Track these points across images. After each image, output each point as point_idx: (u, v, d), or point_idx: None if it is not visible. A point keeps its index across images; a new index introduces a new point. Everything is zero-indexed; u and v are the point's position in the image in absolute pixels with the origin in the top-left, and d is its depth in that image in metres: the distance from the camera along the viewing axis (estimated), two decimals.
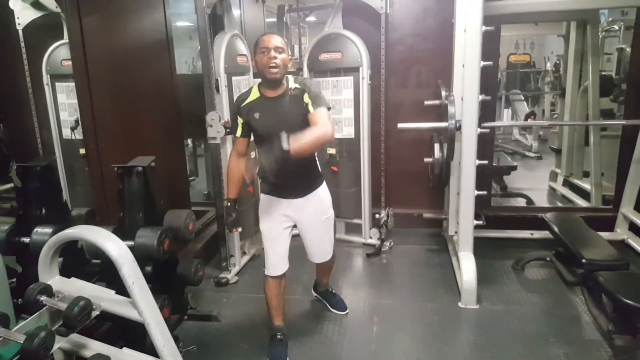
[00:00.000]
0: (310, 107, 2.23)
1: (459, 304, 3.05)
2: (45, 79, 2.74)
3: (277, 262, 2.51)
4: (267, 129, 2.26)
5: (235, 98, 3.03)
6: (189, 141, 5.08)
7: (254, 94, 2.33)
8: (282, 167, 2.03)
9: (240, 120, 2.36)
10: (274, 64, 2.17)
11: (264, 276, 2.56)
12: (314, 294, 3.13)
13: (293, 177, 2.36)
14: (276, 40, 2.20)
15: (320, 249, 2.66)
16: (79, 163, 2.74)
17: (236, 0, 4.20)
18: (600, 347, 2.57)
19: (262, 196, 2.52)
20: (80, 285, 1.81)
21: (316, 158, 2.50)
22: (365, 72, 3.71)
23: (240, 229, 2.55)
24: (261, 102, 2.30)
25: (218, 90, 3.24)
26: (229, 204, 2.51)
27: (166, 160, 3.20)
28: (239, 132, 2.39)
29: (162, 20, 3.28)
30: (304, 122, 2.21)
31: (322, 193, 2.52)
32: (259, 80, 2.35)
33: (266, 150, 2.06)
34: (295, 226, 2.55)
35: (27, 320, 1.59)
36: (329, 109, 2.28)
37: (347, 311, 2.99)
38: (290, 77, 2.32)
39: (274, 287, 2.55)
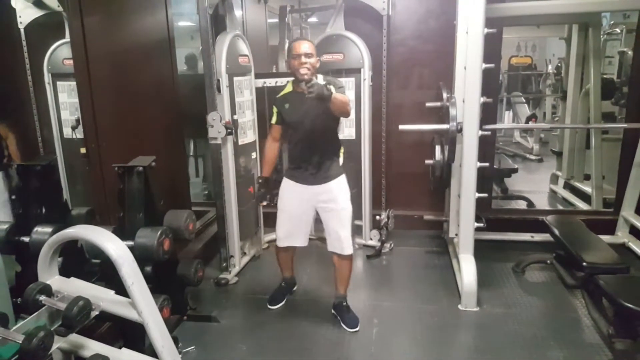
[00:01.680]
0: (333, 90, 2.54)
1: (459, 306, 3.04)
2: (47, 77, 2.73)
3: (283, 237, 2.90)
4: (295, 117, 2.70)
5: (233, 98, 3.47)
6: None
7: (288, 88, 2.77)
8: (307, 152, 2.69)
9: (275, 109, 2.79)
10: (304, 68, 2.58)
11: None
12: (332, 312, 2.97)
13: (316, 163, 2.71)
14: (305, 47, 2.60)
15: (334, 236, 2.79)
16: (80, 162, 2.73)
17: (238, 0, 4.19)
18: (601, 350, 2.57)
19: (285, 180, 2.85)
20: (80, 285, 1.80)
21: (341, 155, 2.84)
22: (366, 74, 3.71)
23: (266, 203, 2.92)
24: (292, 95, 2.73)
25: (219, 91, 3.24)
26: (260, 181, 2.93)
27: (167, 160, 3.20)
28: (274, 120, 2.82)
29: (164, 20, 3.28)
30: (328, 115, 2.58)
31: (340, 185, 2.77)
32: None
33: (294, 139, 2.73)
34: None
35: (26, 320, 1.59)
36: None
37: (357, 329, 2.82)
38: (320, 76, 2.73)
39: (282, 254, 3.04)
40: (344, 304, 2.95)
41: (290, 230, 2.86)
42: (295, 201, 2.80)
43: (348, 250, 2.79)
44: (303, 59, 2.57)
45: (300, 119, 2.66)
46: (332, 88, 2.52)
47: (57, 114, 2.77)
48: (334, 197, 2.74)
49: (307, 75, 2.57)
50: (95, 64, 2.49)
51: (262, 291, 3.22)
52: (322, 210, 2.80)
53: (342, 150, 2.87)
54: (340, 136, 3.80)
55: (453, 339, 2.81)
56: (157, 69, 3.26)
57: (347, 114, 2.64)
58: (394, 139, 4.07)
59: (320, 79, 2.68)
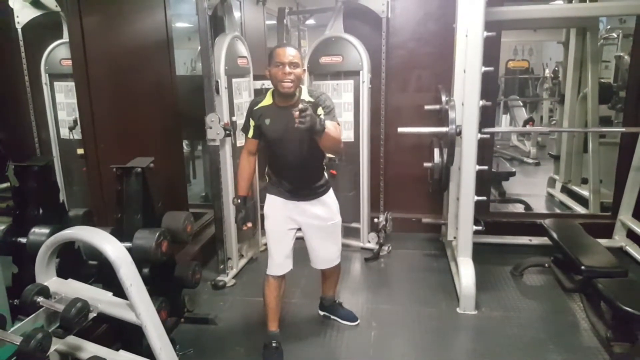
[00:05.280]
0: (322, 118, 2.24)
1: (458, 309, 3.04)
2: (44, 78, 2.71)
3: (280, 262, 2.52)
4: (277, 136, 2.37)
5: (232, 100, 3.40)
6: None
7: (268, 100, 2.40)
8: (289, 171, 2.40)
9: (252, 122, 2.43)
10: (287, 80, 2.24)
11: (265, 276, 2.56)
12: (321, 313, 3.00)
13: (299, 182, 2.45)
14: (291, 54, 2.24)
15: (322, 255, 2.65)
16: (77, 163, 2.71)
17: (237, 2, 4.19)
18: (599, 354, 2.56)
19: (268, 197, 2.53)
20: (78, 287, 1.79)
21: (324, 166, 2.57)
22: (365, 76, 3.71)
23: (250, 224, 2.57)
24: (273, 109, 2.37)
25: (218, 92, 3.23)
26: (238, 201, 2.56)
27: (165, 162, 3.19)
28: (250, 134, 2.47)
29: (162, 21, 3.27)
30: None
31: (328, 199, 2.56)
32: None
33: (275, 155, 2.41)
34: (300, 229, 2.58)
35: (23, 322, 1.57)
36: (338, 124, 2.36)
37: (357, 321, 2.91)
38: (304, 88, 2.41)
39: (274, 288, 2.55)
40: (336, 302, 2.97)
41: (287, 253, 2.52)
42: (287, 219, 2.50)
43: (338, 260, 2.71)
44: (287, 69, 2.21)
45: (284, 136, 2.33)
46: (323, 117, 2.22)
47: (54, 115, 2.76)
48: (329, 213, 2.56)
49: (290, 89, 2.25)
50: (94, 65, 2.48)
51: (260, 294, 3.20)
52: (310, 226, 2.55)
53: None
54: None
55: (451, 342, 2.80)
56: (155, 70, 3.25)
57: (337, 153, 2.39)
58: (393, 142, 4.07)
59: (304, 93, 2.37)
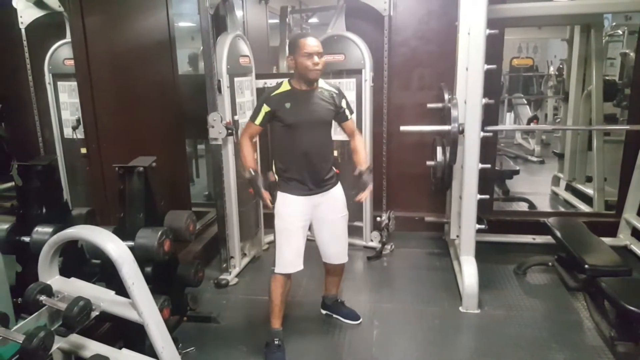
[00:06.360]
0: (347, 114, 2.59)
1: (460, 308, 3.03)
2: (48, 77, 2.73)
3: (291, 261, 2.52)
4: (297, 118, 2.42)
5: (234, 99, 3.41)
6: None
7: (284, 87, 2.46)
8: (305, 157, 2.44)
9: (265, 109, 2.43)
10: (317, 69, 2.36)
11: (272, 274, 2.56)
12: (323, 312, 3.00)
13: (313, 169, 2.47)
14: (317, 45, 2.37)
15: (334, 249, 2.68)
16: (80, 162, 2.73)
17: (239, 1, 4.20)
18: (602, 353, 2.55)
19: (280, 194, 2.51)
20: (80, 286, 1.80)
21: (334, 156, 2.63)
22: (368, 75, 3.70)
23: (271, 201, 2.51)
24: (293, 94, 2.44)
25: (220, 91, 3.23)
26: (253, 173, 2.48)
27: (167, 161, 3.19)
28: (258, 120, 2.46)
29: (164, 21, 3.28)
30: (333, 118, 2.53)
31: (338, 192, 2.61)
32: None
33: (290, 142, 2.44)
34: (309, 228, 2.61)
35: (26, 320, 1.58)
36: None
37: (360, 320, 2.91)
38: (322, 81, 2.53)
39: (281, 285, 2.55)
40: (339, 300, 2.97)
41: (298, 251, 2.52)
42: (298, 216, 2.50)
43: (346, 257, 2.75)
44: (316, 59, 2.33)
45: (305, 120, 2.41)
46: (346, 110, 2.56)
47: (57, 114, 2.77)
48: (339, 204, 2.61)
49: (318, 75, 2.40)
50: (96, 64, 2.49)
51: (262, 292, 3.20)
52: (323, 219, 2.58)
53: None
54: (341, 137, 3.83)
55: (454, 341, 2.80)
56: (158, 69, 3.26)
57: None
58: (395, 140, 4.06)
59: (323, 84, 2.50)
